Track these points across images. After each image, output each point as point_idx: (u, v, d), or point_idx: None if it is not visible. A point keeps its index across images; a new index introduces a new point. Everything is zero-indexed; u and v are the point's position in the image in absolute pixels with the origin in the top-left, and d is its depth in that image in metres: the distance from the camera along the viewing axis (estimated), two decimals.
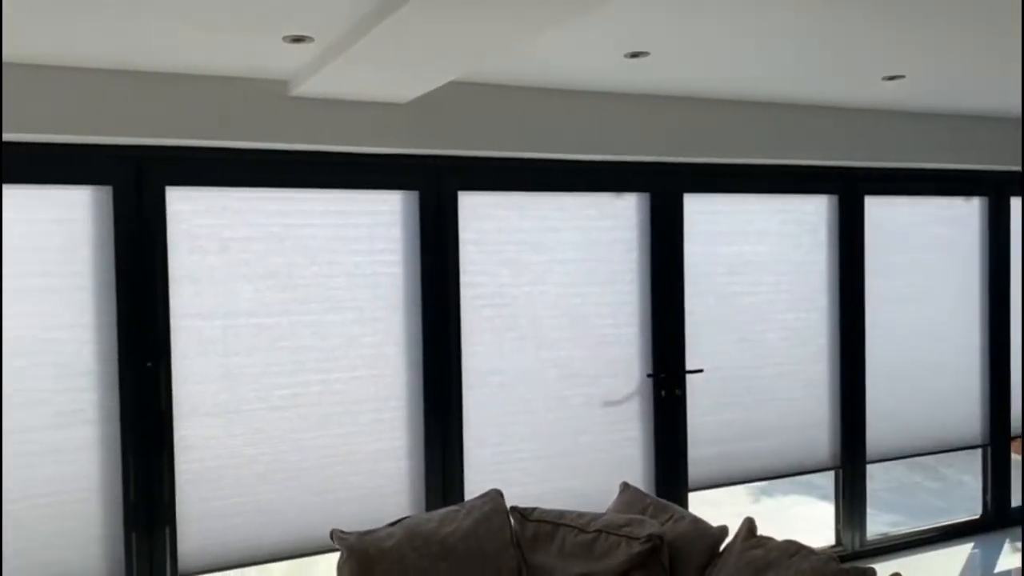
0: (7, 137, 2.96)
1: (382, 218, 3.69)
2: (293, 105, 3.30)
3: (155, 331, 3.30)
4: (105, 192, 3.26)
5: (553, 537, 2.87)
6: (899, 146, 4.55)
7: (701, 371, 4.37)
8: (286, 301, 3.51)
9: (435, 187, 3.78)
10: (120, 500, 3.27)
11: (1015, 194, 5.18)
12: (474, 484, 3.83)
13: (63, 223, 3.19)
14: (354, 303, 3.63)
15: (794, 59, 3.26)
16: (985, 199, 5.11)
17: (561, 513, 2.95)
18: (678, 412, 4.31)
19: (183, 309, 3.35)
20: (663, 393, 4.29)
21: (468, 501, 3.03)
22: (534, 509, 2.99)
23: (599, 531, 2.79)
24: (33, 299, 3.14)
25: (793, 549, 2.46)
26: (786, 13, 2.63)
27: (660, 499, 3.03)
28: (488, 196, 3.90)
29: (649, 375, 4.26)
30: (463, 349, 3.84)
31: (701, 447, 4.36)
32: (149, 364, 3.29)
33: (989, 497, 5.26)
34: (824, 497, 6.18)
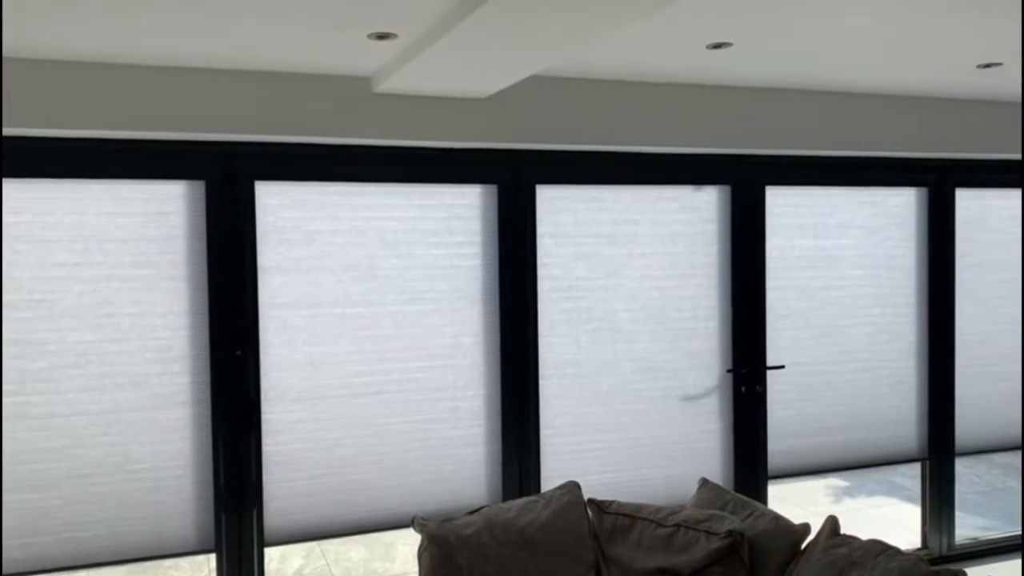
0: (111, 134, 3.11)
1: (461, 211, 3.74)
2: (376, 101, 3.37)
3: (244, 320, 3.42)
4: (198, 186, 3.38)
5: (631, 530, 2.87)
6: (991, 136, 4.37)
7: (782, 367, 4.30)
8: (367, 292, 3.59)
9: (513, 181, 3.80)
10: (211, 479, 3.41)
11: None
12: (551, 471, 3.86)
13: (160, 215, 3.33)
14: (433, 294, 3.69)
15: (883, 48, 3.17)
16: None
17: (639, 506, 2.95)
18: (758, 408, 4.25)
19: (271, 299, 3.46)
20: (743, 389, 4.23)
21: (546, 492, 3.05)
22: (612, 502, 2.99)
23: (678, 525, 2.78)
24: (131, 287, 3.29)
25: (879, 548, 2.41)
26: (872, 1, 2.56)
27: (740, 496, 3.00)
28: (566, 189, 3.91)
29: (729, 370, 4.21)
30: (540, 340, 3.86)
31: (782, 440, 4.29)
32: (238, 352, 3.41)
33: None
34: (909, 499, 6.01)
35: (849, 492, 6.45)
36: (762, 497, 4.27)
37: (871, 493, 6.36)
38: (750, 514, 2.84)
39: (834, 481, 6.62)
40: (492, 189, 3.80)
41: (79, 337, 3.23)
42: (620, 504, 2.98)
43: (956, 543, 4.71)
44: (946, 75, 3.69)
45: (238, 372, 3.43)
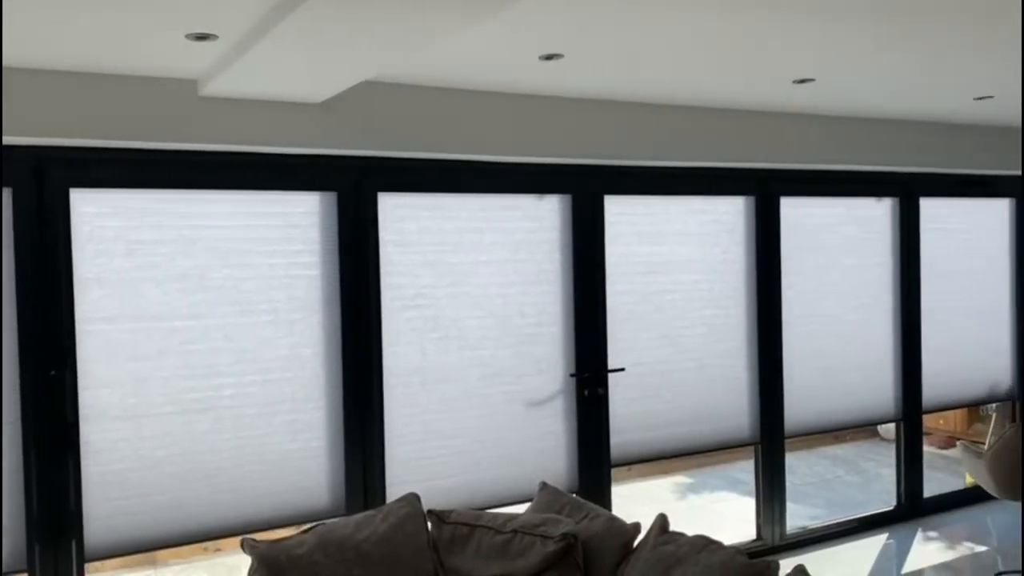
0: None
1: (298, 219, 3.64)
2: (203, 105, 3.23)
3: (59, 335, 3.19)
4: (6, 194, 3.14)
5: (470, 539, 2.86)
6: (812, 148, 4.66)
7: (623, 370, 4.41)
8: (197, 304, 3.43)
9: (354, 188, 3.73)
10: (23, 506, 3.16)
11: (924, 194, 5.35)
12: (396, 479, 3.81)
13: None
14: (269, 305, 3.57)
15: (707, 62, 3.31)
16: (895, 200, 5.28)
17: (478, 515, 2.94)
18: (601, 409, 4.35)
19: (89, 313, 3.24)
20: (586, 392, 4.32)
21: (385, 506, 3.00)
22: (452, 511, 2.98)
23: (514, 531, 2.79)
24: None
25: (702, 544, 2.50)
26: (697, 17, 2.67)
27: (578, 498, 3.05)
28: (410, 197, 3.87)
29: (572, 375, 4.28)
30: (384, 350, 3.80)
31: (624, 434, 4.41)
32: (53, 372, 3.18)
33: (902, 489, 5.42)
34: (748, 493, 6.28)
35: (693, 489, 6.71)
36: (606, 495, 4.37)
37: (713, 489, 6.64)
38: (585, 516, 2.89)
39: (679, 479, 6.87)
40: (331, 196, 3.71)
41: None
42: (459, 513, 2.96)
43: (788, 533, 4.98)
44: (768, 90, 3.90)
45: (53, 392, 3.19)
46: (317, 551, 2.69)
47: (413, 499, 2.98)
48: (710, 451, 4.82)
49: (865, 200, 5.18)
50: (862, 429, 8.04)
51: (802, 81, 3.72)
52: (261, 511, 3.53)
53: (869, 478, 6.86)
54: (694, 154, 4.33)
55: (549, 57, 3.16)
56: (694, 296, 4.63)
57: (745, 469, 6.48)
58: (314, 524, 2.91)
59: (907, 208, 5.30)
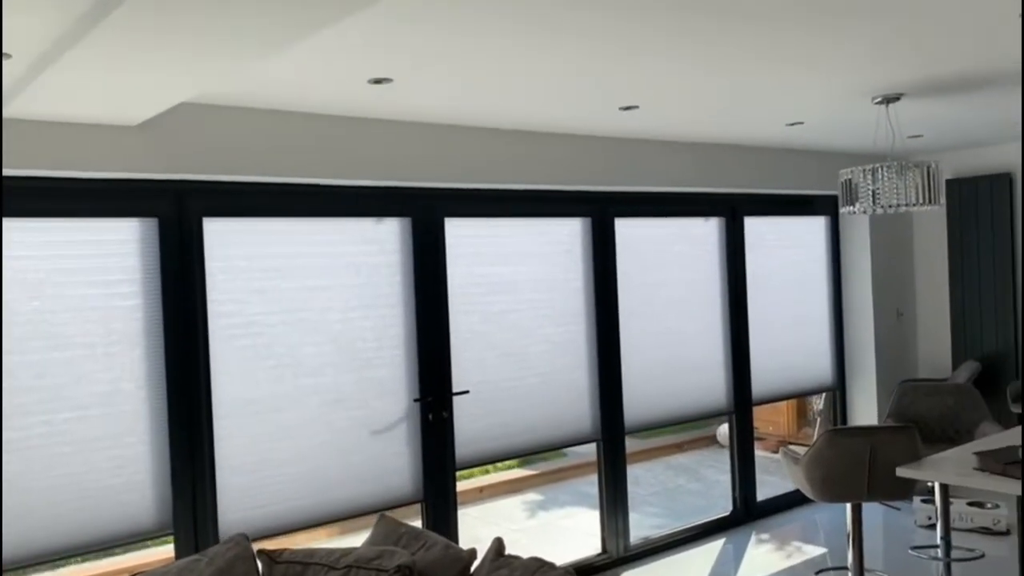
0: None
1: (116, 247, 3.44)
2: (8, 127, 2.99)
3: None
4: None
5: None
6: (644, 171, 4.85)
7: (466, 392, 4.41)
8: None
9: (177, 214, 3.56)
10: None
11: (748, 213, 5.67)
12: (230, 508, 3.65)
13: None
14: (85, 339, 3.34)
15: (534, 89, 3.37)
16: (722, 219, 5.56)
17: (311, 552, 2.85)
18: (445, 431, 4.33)
19: None
20: (430, 416, 4.29)
21: (211, 548, 2.86)
22: (283, 551, 2.87)
23: (348, 567, 2.71)
24: None
25: (536, 566, 2.51)
26: (519, 44, 2.71)
27: (414, 527, 3.01)
28: (237, 222, 3.74)
29: (416, 399, 4.24)
30: (213, 380, 3.64)
31: (469, 446, 4.42)
32: None
33: (737, 494, 5.69)
34: (595, 506, 6.42)
35: (543, 505, 6.80)
36: (451, 510, 4.35)
37: (562, 504, 6.75)
38: (421, 545, 2.85)
39: (530, 496, 6.94)
40: (152, 223, 3.53)
41: None
42: (292, 551, 2.86)
43: (631, 544, 5.11)
44: (597, 115, 4.01)
45: None
46: None
47: (241, 539, 2.85)
48: (550, 450, 4.93)
49: (694, 220, 5.43)
50: (702, 437, 8.43)
51: (627, 108, 3.86)
52: (79, 538, 3.30)
53: (709, 484, 7.16)
54: (532, 177, 4.40)
55: (378, 81, 3.13)
56: (537, 314, 4.70)
57: (592, 483, 6.62)
58: (136, 574, 2.72)
59: (732, 226, 5.59)
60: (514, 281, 4.62)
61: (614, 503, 5.04)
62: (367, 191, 4.04)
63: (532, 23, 2.51)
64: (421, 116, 3.85)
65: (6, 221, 3.19)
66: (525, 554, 2.63)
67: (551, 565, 2.50)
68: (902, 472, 3.31)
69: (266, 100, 3.39)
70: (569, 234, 4.83)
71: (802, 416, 7.94)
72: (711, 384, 5.52)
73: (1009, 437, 3.87)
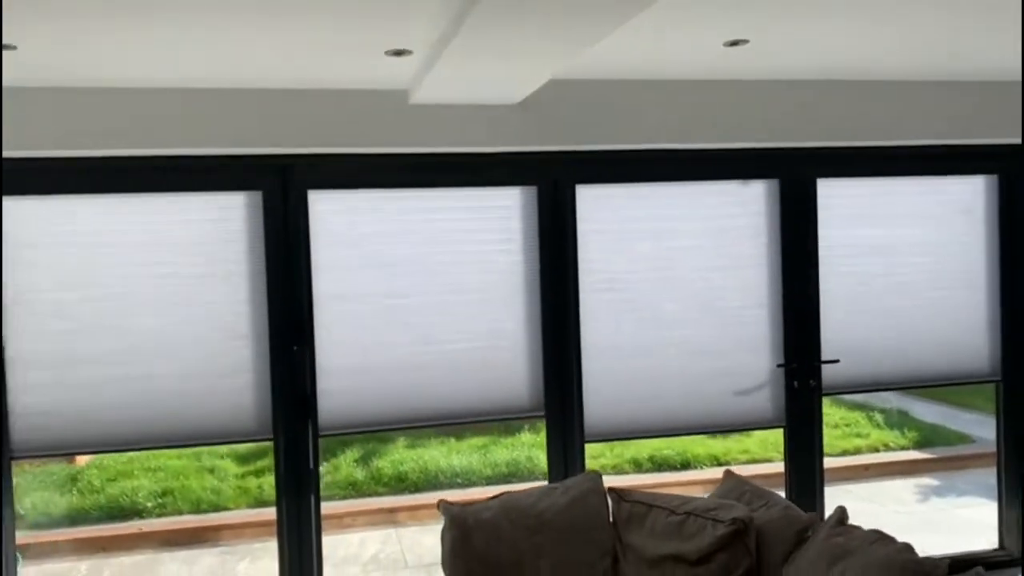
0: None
1: (501, 212, 3.90)
2: (414, 112, 3.59)
3: (299, 311, 3.70)
4: (256, 196, 3.69)
5: (646, 518, 2.96)
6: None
7: (837, 361, 4.24)
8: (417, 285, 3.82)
9: (551, 182, 3.93)
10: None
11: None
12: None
13: (220, 222, 3.65)
14: (479, 285, 3.88)
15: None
16: None
17: (655, 495, 3.03)
18: (813, 403, 4.22)
19: (325, 292, 3.72)
20: (796, 384, 4.20)
21: (567, 480, 3.19)
22: (631, 491, 3.09)
23: (688, 513, 2.85)
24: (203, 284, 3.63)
25: (874, 538, 2.42)
26: None
27: (760, 487, 3.04)
28: (609, 188, 4.01)
29: (780, 365, 4.19)
30: (582, 327, 3.96)
31: None
32: (295, 348, 3.70)
33: None
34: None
35: (938, 491, 6.23)
36: (817, 487, 4.24)
37: (962, 493, 6.11)
38: (764, 504, 2.88)
39: (924, 480, 6.40)
40: (532, 191, 3.94)
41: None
42: (639, 493, 3.07)
43: None
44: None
45: (295, 365, 3.71)
46: (501, 516, 2.93)
47: (595, 476, 3.14)
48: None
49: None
50: None
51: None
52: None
53: None
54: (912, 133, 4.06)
55: (734, 43, 3.15)
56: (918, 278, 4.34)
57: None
58: (502, 492, 3.15)
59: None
60: (897, 244, 4.30)
61: (1015, 491, 4.47)
62: (727, 153, 4.05)
63: None
64: (773, 75, 3.76)
65: (424, 191, 3.80)
66: (907, 537, 2.49)
67: (892, 538, 2.39)
68: None
69: (627, 71, 3.58)
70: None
71: None
72: None
73: None
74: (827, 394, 4.25)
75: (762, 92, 3.89)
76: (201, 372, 3.65)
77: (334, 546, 5.51)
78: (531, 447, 6.70)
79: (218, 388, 3.67)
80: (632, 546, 2.93)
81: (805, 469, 4.23)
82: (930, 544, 4.98)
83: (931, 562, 2.22)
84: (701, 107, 3.85)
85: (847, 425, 7.44)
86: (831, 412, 7.78)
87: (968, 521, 5.49)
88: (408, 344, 3.83)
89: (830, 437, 7.31)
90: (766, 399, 4.20)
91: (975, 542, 4.62)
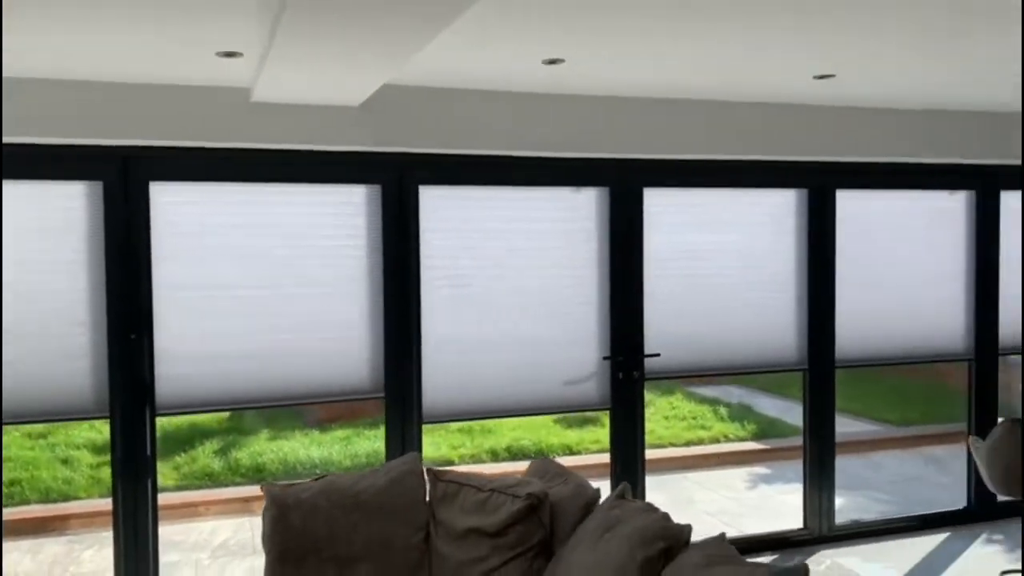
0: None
1: (347, 208, 4.09)
2: (256, 109, 3.73)
3: (138, 300, 3.79)
4: (97, 186, 3.76)
5: (458, 496, 3.20)
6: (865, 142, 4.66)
7: (658, 355, 4.60)
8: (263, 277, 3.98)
9: (396, 182, 4.14)
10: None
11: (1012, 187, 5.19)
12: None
13: (61, 211, 3.71)
14: (325, 279, 4.06)
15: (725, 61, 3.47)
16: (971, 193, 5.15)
17: (468, 476, 3.28)
18: (635, 392, 4.57)
19: (167, 282, 3.82)
20: (620, 375, 4.55)
21: (390, 463, 3.40)
22: (447, 471, 3.33)
23: (492, 490, 3.11)
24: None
25: (642, 509, 2.72)
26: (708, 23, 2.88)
27: (564, 467, 3.33)
28: (451, 190, 4.24)
29: (606, 358, 4.52)
30: (423, 319, 4.21)
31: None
32: (133, 336, 3.78)
33: (972, 487, 5.29)
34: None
35: (767, 479, 6.74)
36: (639, 476, 4.59)
37: (789, 480, 6.64)
38: (562, 482, 3.17)
39: (758, 469, 6.91)
40: (377, 189, 4.14)
41: None
42: (453, 473, 3.31)
43: (836, 524, 4.99)
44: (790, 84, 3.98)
45: (135, 357, 3.80)
46: (320, 496, 3.12)
47: (414, 458, 3.36)
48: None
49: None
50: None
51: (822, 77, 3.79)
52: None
53: (957, 479, 6.63)
54: (723, 148, 4.45)
55: (552, 62, 3.43)
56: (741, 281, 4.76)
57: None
58: (322, 475, 3.34)
59: (984, 203, 5.14)
60: (719, 250, 4.71)
61: (818, 479, 4.96)
62: (564, 162, 4.36)
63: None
64: (613, 91, 4.08)
65: (271, 186, 3.95)
66: (730, 520, 2.75)
67: (657, 510, 2.70)
68: None
69: (459, 81, 3.82)
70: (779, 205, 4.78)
71: None
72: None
73: None
74: (649, 379, 4.63)
75: (587, 106, 4.20)
76: (41, 355, 3.70)
77: (186, 533, 5.57)
78: None
79: (57, 371, 3.73)
80: (443, 522, 3.17)
81: (629, 452, 4.60)
82: (748, 526, 5.47)
83: (678, 527, 2.54)
84: (531, 118, 4.13)
85: (694, 418, 7.94)
86: (681, 406, 8.28)
87: (787, 505, 5.99)
88: (251, 333, 3.98)
89: (677, 429, 7.80)
90: (593, 388, 4.53)
91: (785, 522, 5.09)
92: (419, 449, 4.23)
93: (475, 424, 7.24)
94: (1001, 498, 5.23)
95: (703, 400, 8.40)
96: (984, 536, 5.01)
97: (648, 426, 7.87)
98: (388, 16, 2.35)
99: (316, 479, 3.27)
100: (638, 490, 4.62)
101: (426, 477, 3.33)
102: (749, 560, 2.46)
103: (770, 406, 8.41)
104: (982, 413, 5.30)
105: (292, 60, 2.86)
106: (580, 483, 3.13)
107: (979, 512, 5.26)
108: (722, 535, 2.56)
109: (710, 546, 2.49)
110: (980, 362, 5.26)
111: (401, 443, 4.21)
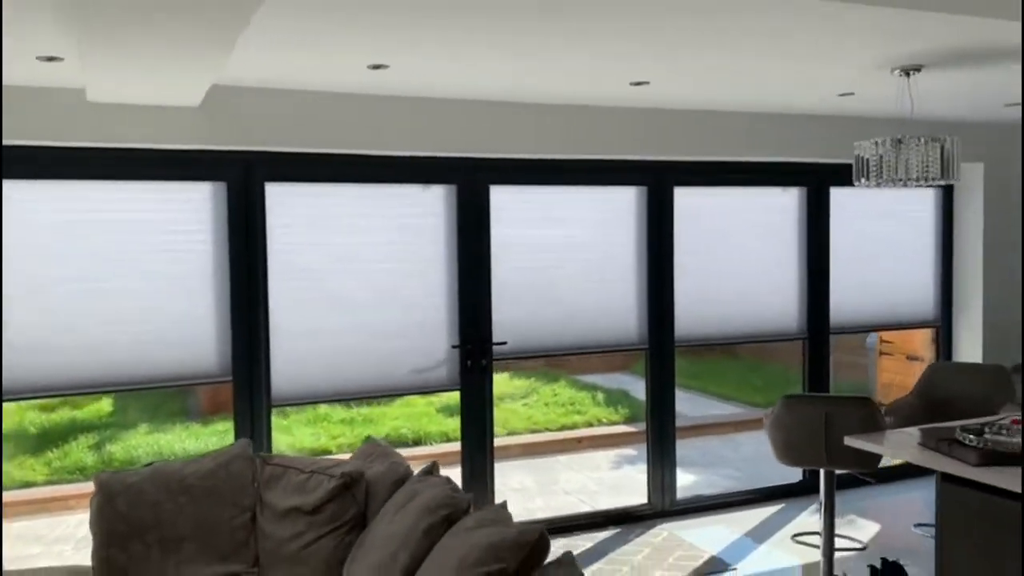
0: None
1: (192, 204, 4.22)
2: (93, 109, 3.84)
3: None
4: None
5: (283, 477, 3.39)
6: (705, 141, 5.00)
7: (505, 343, 4.86)
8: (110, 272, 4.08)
9: (241, 179, 4.29)
10: None
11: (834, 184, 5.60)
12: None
13: None
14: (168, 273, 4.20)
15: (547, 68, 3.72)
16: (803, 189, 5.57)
17: (293, 459, 3.48)
18: (484, 378, 4.83)
19: (11, 279, 3.91)
20: (469, 363, 4.79)
21: (220, 449, 3.57)
22: (275, 456, 3.52)
23: (312, 472, 3.31)
24: None
25: (438, 484, 2.97)
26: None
27: (388, 448, 3.55)
28: (298, 187, 4.41)
29: (455, 346, 4.76)
30: (271, 311, 4.38)
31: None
32: None
33: None
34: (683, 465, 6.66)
35: (632, 460, 7.08)
36: (487, 463, 4.84)
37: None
38: (380, 462, 3.39)
39: (626, 451, 7.27)
40: (222, 186, 4.28)
41: None
42: (280, 457, 3.51)
43: (678, 499, 5.34)
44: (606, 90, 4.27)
45: None
46: (147, 481, 3.28)
47: (244, 444, 3.54)
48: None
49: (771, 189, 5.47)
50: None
51: (638, 84, 4.08)
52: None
53: None
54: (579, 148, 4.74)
55: (377, 67, 3.63)
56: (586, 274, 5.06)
57: (694, 446, 6.89)
58: (152, 462, 3.50)
59: (815, 198, 5.56)
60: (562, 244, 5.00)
61: (660, 456, 5.30)
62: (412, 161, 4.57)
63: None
64: (445, 94, 4.31)
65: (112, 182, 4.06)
66: (588, 498, 2.94)
67: (452, 486, 2.95)
68: (849, 442, 3.36)
69: (296, 82, 4.00)
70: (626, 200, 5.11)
71: None
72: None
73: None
74: (498, 360, 4.88)
75: (422, 108, 4.41)
76: None
77: (52, 527, 5.61)
78: (275, 430, 7.01)
79: None
80: (268, 503, 3.36)
81: (477, 436, 4.85)
82: (603, 501, 5.79)
83: (460, 497, 2.80)
84: (367, 118, 4.32)
85: (572, 404, 8.27)
86: (562, 392, 8.61)
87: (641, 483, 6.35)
88: (97, 325, 4.09)
89: (555, 414, 8.12)
90: (443, 375, 4.77)
91: (631, 499, 5.43)
92: (268, 433, 4.41)
93: (356, 414, 7.42)
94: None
95: (584, 387, 8.73)
96: (813, 507, 5.42)
97: (528, 412, 8.24)
98: (179, 25, 2.51)
99: (146, 465, 3.42)
100: (487, 471, 4.88)
101: (255, 461, 3.52)
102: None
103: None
104: (816, 387, 5.73)
105: (106, 67, 3.00)
106: (395, 461, 3.36)
107: (812, 484, 5.67)
108: (504, 503, 2.81)
109: (488, 512, 2.74)
110: (813, 341, 5.68)
111: (250, 426, 4.38)
